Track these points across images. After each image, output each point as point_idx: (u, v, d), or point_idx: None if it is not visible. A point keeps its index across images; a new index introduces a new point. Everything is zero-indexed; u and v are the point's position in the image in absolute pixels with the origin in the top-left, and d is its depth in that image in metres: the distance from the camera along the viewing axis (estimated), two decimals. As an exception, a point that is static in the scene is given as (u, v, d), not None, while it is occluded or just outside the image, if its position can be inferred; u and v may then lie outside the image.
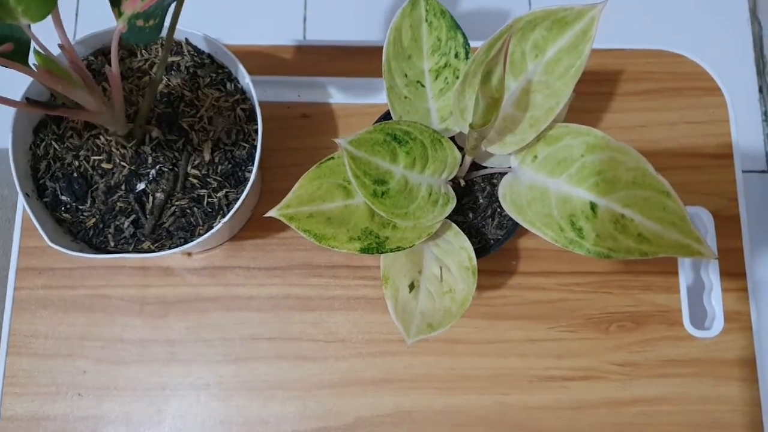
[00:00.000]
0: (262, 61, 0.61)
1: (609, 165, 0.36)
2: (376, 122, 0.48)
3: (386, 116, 0.48)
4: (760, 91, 1.06)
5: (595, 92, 0.61)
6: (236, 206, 0.43)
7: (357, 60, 0.61)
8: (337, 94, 0.60)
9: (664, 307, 0.56)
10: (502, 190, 0.40)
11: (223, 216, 0.45)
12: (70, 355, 0.54)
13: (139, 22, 0.33)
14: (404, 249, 0.37)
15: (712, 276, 0.56)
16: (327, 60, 0.61)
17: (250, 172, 0.46)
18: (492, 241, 0.47)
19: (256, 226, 0.56)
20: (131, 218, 0.45)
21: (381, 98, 0.60)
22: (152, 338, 0.55)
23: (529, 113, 0.37)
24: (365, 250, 0.36)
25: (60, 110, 0.37)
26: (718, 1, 1.14)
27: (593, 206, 0.37)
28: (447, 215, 0.40)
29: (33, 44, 0.35)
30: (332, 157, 0.37)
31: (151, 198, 0.45)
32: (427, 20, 0.41)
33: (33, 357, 0.54)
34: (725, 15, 1.13)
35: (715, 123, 0.61)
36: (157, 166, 0.45)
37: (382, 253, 0.36)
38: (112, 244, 0.45)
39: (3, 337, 0.55)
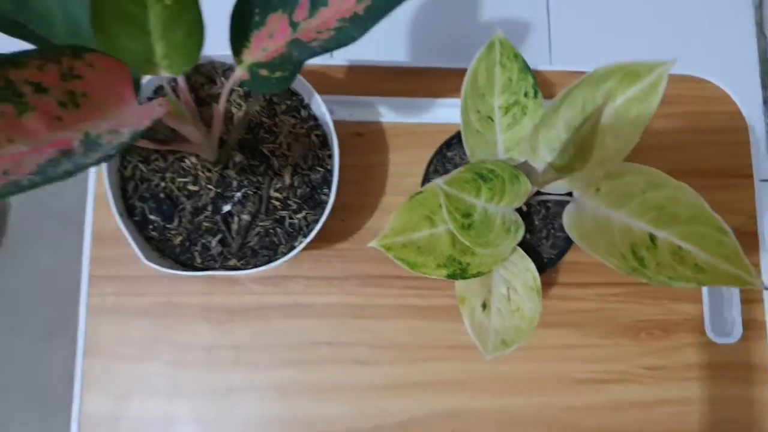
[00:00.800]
0: (315, 80, 0.64)
1: (669, 201, 0.41)
2: (443, 145, 0.52)
3: (449, 141, 0.52)
4: (765, 103, 1.11)
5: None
6: (317, 228, 0.46)
7: (406, 81, 0.65)
8: (387, 114, 0.64)
9: (689, 315, 0.61)
10: (567, 218, 0.45)
11: (304, 236, 0.49)
12: (142, 359, 0.58)
13: (263, 72, 0.36)
14: (483, 274, 0.41)
15: (732, 288, 0.61)
16: (377, 80, 0.65)
17: (326, 195, 0.50)
18: (546, 260, 0.51)
19: (315, 238, 0.60)
20: (218, 237, 0.48)
21: (428, 118, 0.64)
22: (219, 343, 0.59)
23: (599, 154, 0.41)
24: (451, 276, 0.41)
25: (174, 145, 0.41)
26: (724, 14, 1.19)
27: (653, 238, 0.41)
28: (518, 242, 0.44)
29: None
30: (421, 191, 0.41)
31: (236, 219, 0.48)
32: (500, 63, 0.44)
33: (108, 359, 0.58)
34: (731, 28, 1.18)
35: (737, 145, 0.65)
36: (243, 190, 0.48)
37: (465, 278, 0.41)
38: (198, 260, 0.49)
39: (80, 340, 0.58)
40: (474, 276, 0.41)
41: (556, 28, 1.18)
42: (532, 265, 0.46)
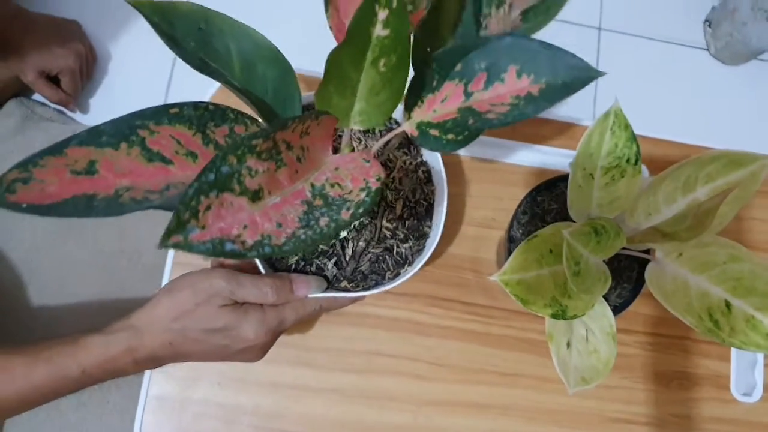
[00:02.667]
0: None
1: (748, 274, 0.46)
2: (534, 190, 0.57)
3: (539, 187, 0.57)
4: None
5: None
6: (424, 259, 0.50)
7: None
8: (470, 147, 0.68)
9: (716, 372, 0.67)
10: (649, 276, 0.50)
11: (409, 264, 0.53)
12: (214, 349, 0.61)
13: (434, 132, 0.39)
14: (579, 317, 0.46)
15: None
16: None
17: (428, 227, 0.54)
18: (612, 307, 0.56)
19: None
20: (333, 260, 0.52)
21: (507, 158, 0.69)
22: (288, 342, 0.62)
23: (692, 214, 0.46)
24: (554, 316, 0.45)
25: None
26: (752, 96, 1.28)
27: (728, 304, 0.46)
28: (606, 290, 0.49)
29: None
30: (536, 235, 0.46)
31: (352, 245, 0.52)
32: (611, 129, 0.49)
33: (181, 345, 0.61)
34: (759, 111, 1.27)
35: (775, 219, 0.72)
36: (360, 218, 0.52)
37: (565, 319, 0.45)
38: None
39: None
40: (571, 318, 0.46)
41: (602, 86, 1.25)
42: (609, 312, 0.51)
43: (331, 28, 0.39)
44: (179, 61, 1.32)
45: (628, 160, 0.50)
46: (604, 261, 0.54)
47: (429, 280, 0.65)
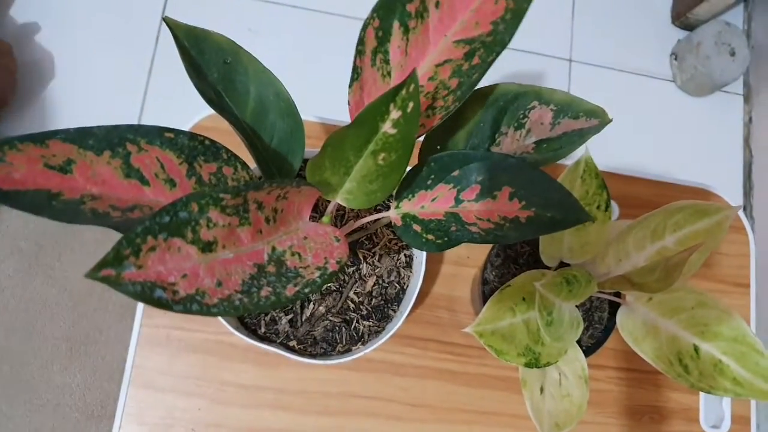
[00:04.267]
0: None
1: (715, 320, 0.47)
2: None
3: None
4: (744, 209, 1.23)
5: (634, 215, 0.73)
6: (377, 344, 0.50)
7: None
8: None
9: (686, 405, 0.68)
10: (620, 320, 0.50)
11: (363, 343, 0.52)
12: (187, 393, 0.60)
13: (416, 227, 0.39)
14: (552, 364, 0.47)
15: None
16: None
17: (393, 311, 0.53)
18: (584, 348, 0.57)
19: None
20: (289, 317, 0.51)
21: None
22: (263, 385, 0.61)
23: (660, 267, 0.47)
24: (528, 365, 0.45)
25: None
26: (716, 127, 1.32)
27: (697, 349, 0.47)
28: (579, 335, 0.49)
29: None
30: (509, 285, 0.46)
31: (312, 307, 0.52)
32: (582, 177, 0.50)
33: (153, 390, 0.60)
34: (722, 141, 1.31)
35: (739, 257, 0.74)
36: (329, 284, 0.52)
37: (538, 367, 0.46)
38: (262, 329, 0.52)
39: (127, 369, 0.60)
40: (545, 365, 0.46)
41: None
42: (581, 356, 0.51)
43: (349, 102, 0.39)
44: (152, 88, 1.31)
45: (598, 207, 0.51)
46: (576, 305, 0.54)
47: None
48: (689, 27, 1.43)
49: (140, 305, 0.61)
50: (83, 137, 0.31)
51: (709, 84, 1.33)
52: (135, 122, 1.27)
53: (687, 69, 1.35)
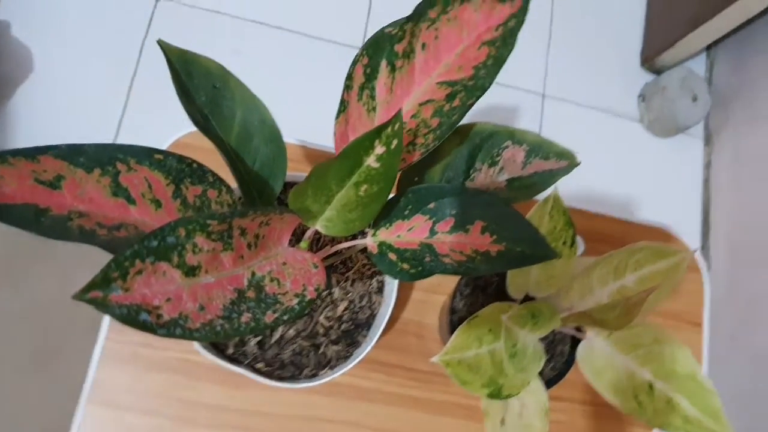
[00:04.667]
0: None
1: (669, 358, 0.49)
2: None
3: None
4: (702, 248, 1.28)
5: (598, 251, 0.76)
6: (344, 370, 0.50)
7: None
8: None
9: (641, 439, 0.70)
10: (580, 354, 0.52)
11: (331, 368, 0.53)
12: (148, 411, 0.60)
13: (392, 255, 0.40)
14: (514, 396, 0.48)
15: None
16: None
17: (363, 336, 0.54)
18: (546, 380, 0.58)
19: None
20: (258, 339, 0.52)
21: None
22: (228, 405, 0.61)
23: (620, 306, 0.50)
24: (491, 396, 0.47)
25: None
26: (678, 168, 1.38)
27: (651, 385, 0.49)
28: (541, 367, 0.51)
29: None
30: (477, 316, 0.48)
31: (282, 329, 0.52)
32: (550, 214, 0.53)
33: (112, 408, 0.59)
34: (683, 181, 1.37)
35: (694, 295, 0.77)
36: (307, 310, 0.52)
37: (501, 398, 0.47)
38: (231, 350, 0.52)
39: (86, 385, 0.59)
40: (507, 397, 0.47)
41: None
42: (542, 387, 0.53)
43: (334, 134, 0.40)
44: (132, 102, 1.30)
45: (564, 242, 0.53)
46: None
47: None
48: (657, 71, 1.50)
49: (106, 320, 0.61)
50: (75, 154, 0.31)
51: (673, 126, 1.39)
52: (112, 136, 1.26)
53: (653, 110, 1.41)
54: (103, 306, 0.25)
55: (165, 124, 1.24)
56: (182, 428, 0.60)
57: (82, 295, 0.24)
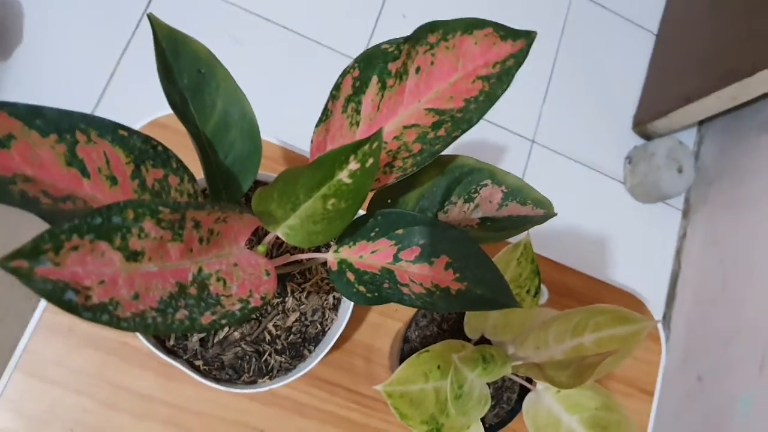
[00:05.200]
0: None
1: (614, 426, 0.49)
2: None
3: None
4: (664, 318, 1.29)
5: (562, 304, 0.75)
6: (282, 383, 0.49)
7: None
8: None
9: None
10: (526, 406, 0.51)
11: (270, 378, 0.51)
12: (76, 389, 0.57)
13: (350, 275, 0.38)
14: (452, 437, 0.47)
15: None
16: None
17: (309, 351, 0.52)
18: (487, 426, 0.57)
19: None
20: (202, 336, 0.50)
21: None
22: (159, 397, 0.59)
23: (574, 365, 0.49)
24: (429, 433, 0.45)
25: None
26: (653, 234, 1.39)
27: (592, 449, 0.48)
28: (485, 413, 0.50)
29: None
30: (428, 350, 0.47)
31: (227, 330, 0.50)
32: (518, 260, 0.52)
33: (39, 380, 0.56)
34: (655, 248, 1.38)
35: (649, 364, 0.77)
36: (248, 317, 0.50)
37: (439, 438, 0.46)
38: (171, 342, 0.50)
39: (16, 352, 0.56)
40: (445, 437, 0.46)
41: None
42: (482, 431, 0.52)
43: (312, 141, 0.39)
44: (116, 79, 1.28)
45: (528, 291, 0.52)
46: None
47: (319, 360, 0.64)
48: (647, 136, 1.52)
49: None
50: (32, 116, 0.30)
51: (655, 193, 1.41)
52: (90, 107, 1.23)
53: (638, 174, 1.43)
54: (26, 278, 0.23)
55: (146, 105, 1.22)
56: (107, 412, 0.57)
57: (4, 263, 0.22)
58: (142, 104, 1.23)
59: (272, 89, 1.32)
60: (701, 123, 1.56)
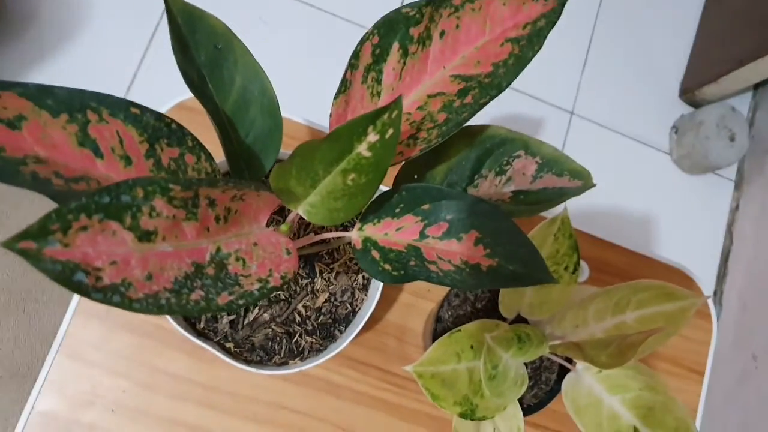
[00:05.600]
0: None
1: (660, 407, 0.46)
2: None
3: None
4: (714, 294, 1.23)
5: (603, 281, 0.72)
6: (315, 363, 0.48)
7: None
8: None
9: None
10: (565, 386, 0.49)
11: (302, 359, 0.50)
12: (114, 371, 0.58)
13: (375, 254, 0.37)
14: (488, 419, 0.45)
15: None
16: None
17: (340, 331, 0.51)
18: (526, 406, 0.55)
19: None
20: (231, 318, 0.49)
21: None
22: (195, 379, 0.59)
23: (615, 344, 0.46)
24: (462, 416, 0.44)
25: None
26: (702, 208, 1.33)
27: (636, 431, 0.46)
28: (522, 394, 0.48)
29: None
30: (460, 329, 0.45)
31: (257, 311, 0.49)
32: (555, 235, 0.49)
33: (80, 362, 0.57)
34: (705, 222, 1.32)
35: (699, 343, 0.73)
36: (278, 291, 0.50)
37: (473, 419, 0.44)
38: (202, 324, 0.50)
39: (58, 336, 0.57)
40: (480, 419, 0.45)
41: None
42: (520, 414, 0.50)
43: (331, 114, 0.37)
44: (148, 59, 1.29)
45: (566, 268, 0.50)
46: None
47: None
48: (695, 104, 1.45)
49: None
50: (42, 95, 0.29)
51: (704, 164, 1.34)
52: (124, 91, 1.24)
53: (685, 145, 1.36)
54: (34, 259, 0.22)
55: (178, 87, 1.23)
56: (144, 393, 0.58)
57: (11, 244, 0.22)
58: (172, 87, 1.24)
59: (300, 68, 1.31)
60: (756, 87, 1.47)
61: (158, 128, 0.32)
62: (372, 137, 0.30)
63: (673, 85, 1.45)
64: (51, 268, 0.23)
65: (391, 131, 0.30)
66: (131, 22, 1.27)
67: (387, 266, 0.36)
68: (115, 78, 1.23)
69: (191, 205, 0.28)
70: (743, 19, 1.32)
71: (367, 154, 0.31)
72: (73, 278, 0.24)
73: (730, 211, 1.33)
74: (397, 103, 0.29)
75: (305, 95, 1.28)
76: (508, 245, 0.35)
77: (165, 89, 1.23)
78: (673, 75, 1.46)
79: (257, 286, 0.30)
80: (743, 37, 1.29)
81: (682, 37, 1.48)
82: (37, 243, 0.23)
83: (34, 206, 0.82)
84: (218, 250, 0.30)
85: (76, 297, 0.58)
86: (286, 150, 0.46)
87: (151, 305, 0.26)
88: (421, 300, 0.65)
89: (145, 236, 0.27)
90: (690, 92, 1.41)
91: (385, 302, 0.65)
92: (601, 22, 1.44)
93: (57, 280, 0.23)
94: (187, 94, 0.64)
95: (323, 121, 0.68)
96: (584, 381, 0.49)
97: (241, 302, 0.28)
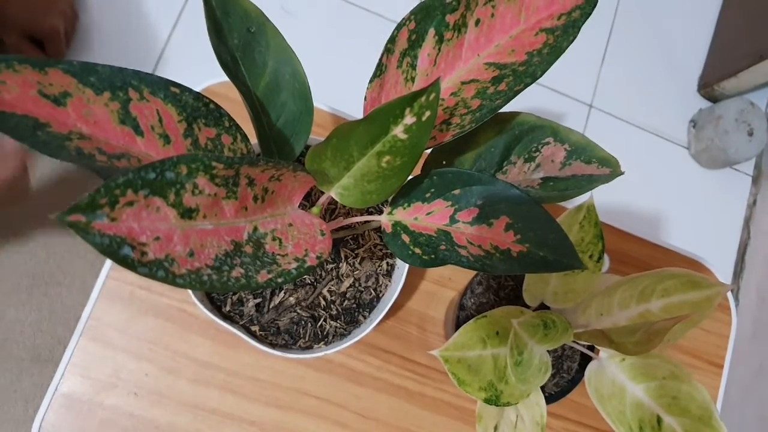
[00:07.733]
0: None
1: (685, 396, 0.46)
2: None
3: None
4: (731, 289, 1.22)
5: (622, 272, 0.72)
6: (339, 347, 0.48)
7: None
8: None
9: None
10: (588, 374, 0.49)
11: (326, 344, 0.50)
12: (137, 355, 0.58)
13: (405, 238, 0.37)
14: (512, 405, 0.45)
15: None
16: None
17: (364, 317, 0.52)
18: (547, 395, 0.55)
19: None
20: (257, 301, 0.50)
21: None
22: (216, 363, 0.60)
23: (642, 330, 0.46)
24: (487, 401, 0.44)
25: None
26: (719, 202, 1.32)
27: (659, 420, 0.46)
28: (545, 381, 0.48)
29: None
30: (485, 315, 0.45)
31: (282, 295, 0.50)
32: (581, 223, 0.49)
33: (104, 345, 0.58)
34: (722, 217, 1.31)
35: (718, 336, 0.73)
36: (304, 276, 0.50)
37: (498, 405, 0.44)
38: (227, 308, 0.50)
39: (82, 319, 0.58)
40: (504, 405, 0.45)
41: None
42: (542, 402, 0.50)
43: (365, 98, 0.37)
44: (173, 40, 1.29)
45: (591, 256, 0.50)
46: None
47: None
48: (714, 99, 1.44)
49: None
50: (86, 73, 0.29)
51: (722, 159, 1.33)
52: (151, 69, 1.25)
53: (703, 139, 1.35)
54: (84, 232, 0.23)
55: (201, 70, 1.23)
56: (167, 377, 0.59)
57: (62, 216, 0.22)
58: (196, 70, 1.24)
59: (323, 56, 1.31)
60: (774, 83, 1.46)
61: (196, 108, 0.33)
62: (408, 119, 0.30)
63: (691, 79, 1.44)
64: (99, 241, 0.23)
65: (428, 114, 0.30)
66: (157, 6, 1.28)
67: (417, 250, 0.36)
68: (141, 57, 1.24)
69: (232, 183, 0.28)
70: (763, 13, 1.30)
71: (403, 136, 0.31)
72: (120, 252, 0.24)
73: (747, 206, 1.33)
74: (435, 85, 0.29)
75: (327, 83, 1.29)
76: (538, 231, 0.35)
77: (187, 72, 1.24)
78: (692, 69, 1.44)
79: (294, 265, 0.30)
80: (763, 32, 1.27)
81: (702, 32, 1.47)
82: (86, 216, 0.23)
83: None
84: (255, 229, 0.31)
85: (99, 281, 0.59)
86: (314, 137, 0.47)
87: (194, 281, 0.26)
88: (442, 288, 0.66)
89: (187, 213, 0.27)
90: (709, 86, 1.40)
91: (408, 290, 0.65)
92: (620, 15, 1.44)
93: (105, 253, 0.23)
94: (212, 80, 0.64)
95: (345, 109, 0.68)
96: (607, 369, 0.49)
97: (279, 280, 0.29)
